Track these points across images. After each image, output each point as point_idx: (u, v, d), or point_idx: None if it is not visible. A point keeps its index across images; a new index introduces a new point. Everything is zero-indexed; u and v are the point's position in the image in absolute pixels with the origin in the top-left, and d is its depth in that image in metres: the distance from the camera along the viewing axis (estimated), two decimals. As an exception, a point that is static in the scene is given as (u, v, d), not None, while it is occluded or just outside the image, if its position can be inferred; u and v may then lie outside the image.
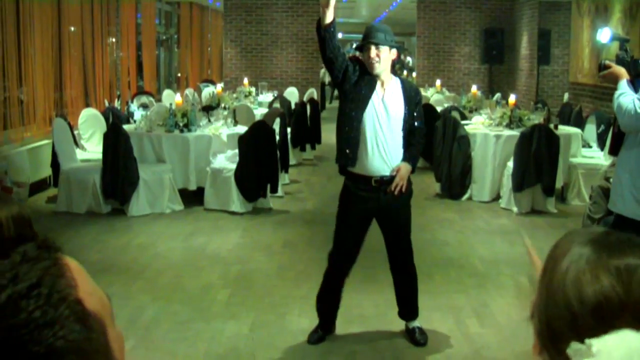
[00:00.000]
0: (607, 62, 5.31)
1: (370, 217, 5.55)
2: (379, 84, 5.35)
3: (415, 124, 5.45)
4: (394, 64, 5.51)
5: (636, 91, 4.94)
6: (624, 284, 1.28)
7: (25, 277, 1.00)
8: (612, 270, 1.29)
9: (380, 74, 5.34)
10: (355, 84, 5.33)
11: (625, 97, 4.93)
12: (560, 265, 1.36)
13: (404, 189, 5.40)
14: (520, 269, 7.59)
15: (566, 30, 17.80)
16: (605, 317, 1.27)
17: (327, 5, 4.93)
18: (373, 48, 5.28)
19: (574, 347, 1.27)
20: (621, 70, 5.12)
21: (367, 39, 5.33)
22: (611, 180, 5.80)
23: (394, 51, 5.39)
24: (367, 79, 5.34)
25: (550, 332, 1.35)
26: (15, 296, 0.98)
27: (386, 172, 5.37)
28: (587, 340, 1.26)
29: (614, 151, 5.51)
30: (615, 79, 5.14)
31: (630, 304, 1.27)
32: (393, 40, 5.41)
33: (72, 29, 13.62)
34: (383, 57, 5.30)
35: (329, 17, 5.04)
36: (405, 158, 5.42)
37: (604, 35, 5.73)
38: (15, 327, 0.96)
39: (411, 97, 5.44)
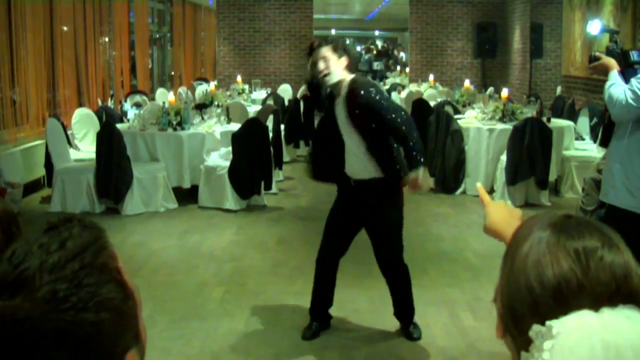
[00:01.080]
0: (597, 53, 5.33)
1: (353, 211, 5.56)
2: (336, 93, 5.41)
3: (376, 126, 5.29)
4: (352, 68, 5.45)
5: (626, 82, 4.96)
6: (582, 267, 1.31)
7: (72, 246, 1.14)
8: (571, 252, 1.32)
9: (331, 83, 5.35)
10: (325, 101, 5.56)
11: (616, 87, 4.95)
12: (521, 249, 1.39)
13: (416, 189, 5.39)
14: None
15: (558, 23, 17.81)
16: (565, 299, 1.30)
17: None
18: (320, 60, 5.28)
19: (535, 329, 1.30)
20: (611, 62, 5.14)
21: (316, 47, 5.32)
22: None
23: (344, 58, 5.31)
24: (329, 94, 5.52)
25: (513, 314, 1.39)
26: (63, 258, 1.12)
27: (360, 176, 5.42)
28: (547, 322, 1.28)
29: (604, 143, 5.52)
30: (605, 70, 5.16)
31: (588, 285, 1.30)
32: (338, 44, 5.38)
33: (65, 28, 13.60)
34: (332, 67, 5.28)
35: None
36: (411, 166, 5.28)
37: (594, 27, 5.75)
38: (61, 279, 1.10)
39: (353, 102, 5.27)
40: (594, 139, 11.08)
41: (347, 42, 6.01)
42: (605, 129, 5.45)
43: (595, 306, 1.28)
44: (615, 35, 5.51)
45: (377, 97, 5.21)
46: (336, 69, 5.27)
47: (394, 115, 5.18)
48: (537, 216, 1.49)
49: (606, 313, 1.27)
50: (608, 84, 5.07)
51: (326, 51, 5.25)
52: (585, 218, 1.46)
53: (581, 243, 1.34)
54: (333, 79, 5.28)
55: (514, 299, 1.38)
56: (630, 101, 4.81)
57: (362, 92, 5.20)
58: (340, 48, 5.31)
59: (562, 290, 1.31)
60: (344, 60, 5.30)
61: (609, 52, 5.28)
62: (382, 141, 5.33)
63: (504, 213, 2.07)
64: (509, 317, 1.40)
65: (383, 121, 5.19)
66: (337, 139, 5.43)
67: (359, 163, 5.38)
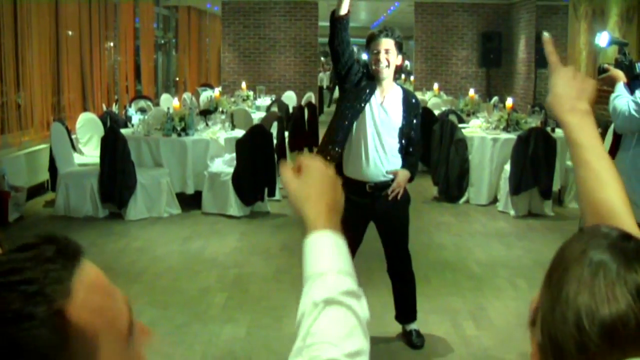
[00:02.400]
0: (606, 65, 5.34)
1: (366, 221, 5.56)
2: (379, 89, 5.32)
3: (412, 134, 5.44)
4: (398, 71, 5.47)
5: (632, 93, 4.96)
6: None
7: (24, 273, 1.02)
8: (632, 287, 1.15)
9: (385, 79, 5.32)
10: (355, 85, 5.31)
11: (621, 99, 4.95)
12: (571, 273, 1.21)
13: (399, 197, 5.40)
14: (517, 271, 7.63)
15: (563, 33, 17.81)
16: (621, 343, 1.14)
17: None
18: (383, 51, 5.26)
19: None
20: (619, 73, 5.15)
21: (380, 36, 5.28)
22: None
23: (400, 57, 5.37)
24: (368, 82, 5.32)
25: (556, 349, 1.21)
26: (4, 285, 1.00)
27: (380, 178, 5.37)
28: None
29: (611, 154, 5.50)
30: (613, 82, 5.16)
31: None
32: (401, 44, 5.40)
33: (70, 33, 13.63)
34: (392, 61, 5.28)
35: (343, 9, 5.03)
36: (404, 165, 5.42)
37: (603, 39, 5.75)
38: None
39: (411, 107, 5.42)
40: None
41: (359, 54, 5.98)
42: (612, 142, 5.45)
43: None
44: (624, 47, 5.52)
45: (420, 110, 5.62)
46: (393, 65, 5.31)
47: (419, 132, 5.54)
48: (589, 232, 1.29)
49: None
50: (613, 95, 5.08)
51: (391, 44, 5.27)
52: None
53: None
54: (388, 74, 5.31)
55: (558, 332, 1.20)
56: (633, 112, 4.82)
57: (416, 98, 5.59)
58: (402, 47, 5.39)
59: (618, 332, 1.14)
60: (399, 59, 5.36)
61: (618, 64, 5.29)
62: (415, 143, 5.51)
63: (571, 89, 1.80)
64: (551, 351, 1.22)
65: (416, 130, 5.48)
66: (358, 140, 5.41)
67: (387, 161, 5.36)
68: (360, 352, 1.25)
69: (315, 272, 1.38)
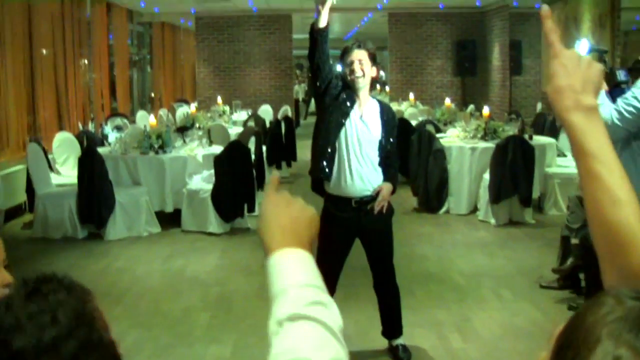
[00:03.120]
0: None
1: (352, 237, 5.53)
2: (357, 102, 5.32)
3: (390, 147, 5.43)
4: (374, 83, 5.47)
5: (614, 101, 4.96)
6: None
7: (64, 319, 1.09)
8: None
9: (361, 89, 5.31)
10: (335, 98, 5.29)
11: (603, 108, 4.95)
12: None
13: (384, 210, 5.39)
14: (501, 281, 7.63)
15: (537, 40, 17.94)
16: None
17: (322, 1, 4.92)
18: (357, 62, 5.26)
19: None
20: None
21: (352, 47, 5.31)
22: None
23: (374, 69, 5.36)
24: (347, 95, 5.30)
25: None
26: (59, 336, 1.07)
27: (365, 192, 5.34)
28: None
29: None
30: None
31: None
32: (375, 55, 5.40)
33: (44, 51, 13.56)
34: (366, 71, 5.28)
35: (323, 21, 5.01)
36: (387, 178, 5.40)
37: (582, 47, 5.75)
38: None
39: (389, 120, 5.42)
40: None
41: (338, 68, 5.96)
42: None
43: None
44: (604, 55, 5.53)
45: (397, 122, 5.64)
46: (368, 76, 5.30)
47: (395, 143, 5.54)
48: (604, 305, 1.03)
49: None
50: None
51: (364, 55, 5.28)
52: None
53: None
54: (364, 83, 5.31)
55: None
56: (616, 121, 4.81)
57: (392, 112, 5.61)
58: (376, 58, 5.40)
59: None
60: (374, 71, 5.36)
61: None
62: (393, 155, 5.52)
63: (575, 80, 1.47)
64: None
65: (393, 143, 5.50)
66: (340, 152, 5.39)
67: (371, 175, 5.34)
68: None
69: (278, 290, 1.32)
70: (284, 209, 1.49)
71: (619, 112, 4.82)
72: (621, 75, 5.20)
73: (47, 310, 1.07)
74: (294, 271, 1.36)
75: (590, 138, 1.43)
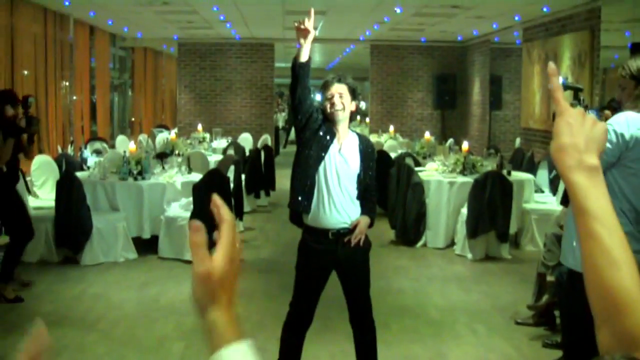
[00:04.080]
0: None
1: (329, 269, 5.51)
2: (337, 136, 5.34)
3: (369, 180, 5.45)
4: (352, 117, 5.50)
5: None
6: None
7: None
8: None
9: (340, 122, 5.33)
10: (315, 132, 5.31)
11: None
12: None
13: (361, 243, 5.39)
14: (476, 316, 7.63)
15: (517, 76, 18.08)
16: None
17: (304, 36, 4.97)
18: (337, 95, 5.29)
19: None
20: None
21: (332, 81, 5.33)
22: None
23: (354, 104, 5.39)
24: (327, 129, 5.32)
25: None
26: None
27: (343, 225, 5.34)
28: None
29: (564, 202, 5.52)
30: None
31: None
32: (355, 89, 5.43)
33: (25, 72, 13.53)
34: (346, 104, 5.31)
35: (304, 55, 5.05)
36: (364, 211, 5.41)
37: (556, 82, 5.78)
38: None
39: (367, 153, 5.44)
40: (554, 192, 11.18)
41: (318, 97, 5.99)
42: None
43: None
44: (579, 93, 5.56)
45: (375, 156, 5.63)
46: (348, 109, 5.33)
47: (374, 175, 5.51)
48: None
49: None
50: None
51: (344, 89, 5.30)
52: None
53: None
54: (344, 117, 5.32)
55: None
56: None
57: (372, 146, 5.60)
58: (356, 92, 5.43)
59: None
60: (354, 105, 5.39)
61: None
62: (371, 188, 5.51)
63: (579, 139, 1.48)
64: None
65: (372, 176, 5.48)
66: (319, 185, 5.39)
67: (349, 207, 5.35)
68: None
69: None
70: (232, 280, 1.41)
71: None
72: (591, 114, 5.24)
73: None
74: None
75: (591, 198, 1.44)
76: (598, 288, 1.41)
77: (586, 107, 5.41)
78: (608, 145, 4.85)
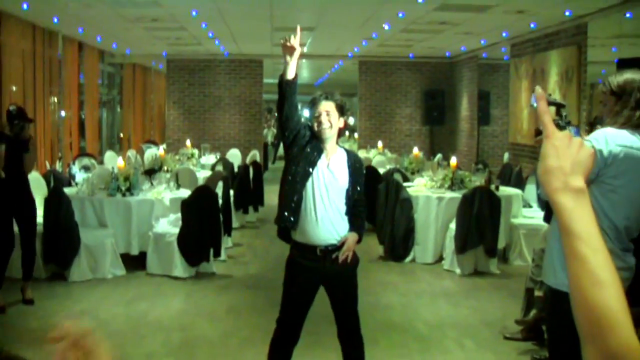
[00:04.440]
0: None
1: (317, 285, 5.51)
2: (325, 152, 5.35)
3: (357, 196, 5.46)
4: (340, 133, 5.52)
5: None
6: None
7: None
8: None
9: (328, 140, 5.35)
10: (302, 148, 5.32)
11: None
12: None
13: (349, 260, 5.39)
14: (464, 331, 7.64)
15: (505, 91, 18.15)
16: None
17: (290, 52, 4.99)
18: (324, 113, 5.31)
19: None
20: None
21: (320, 99, 5.35)
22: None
23: (342, 120, 5.41)
24: (315, 145, 5.33)
25: None
26: None
27: (331, 241, 5.34)
28: None
29: (547, 219, 5.51)
30: None
31: None
32: (343, 107, 5.45)
33: (14, 88, 13.52)
34: (334, 122, 5.32)
35: (291, 73, 5.07)
36: (353, 228, 5.41)
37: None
38: None
39: (356, 169, 5.45)
40: (541, 207, 11.20)
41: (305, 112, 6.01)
42: (548, 205, 5.45)
43: None
44: (562, 109, 5.57)
45: (364, 171, 5.63)
46: (335, 127, 5.34)
47: (362, 190, 5.53)
48: None
49: None
50: None
51: (332, 106, 5.33)
52: None
53: None
54: (331, 134, 5.34)
55: None
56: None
57: (360, 162, 5.60)
58: (344, 110, 5.45)
59: None
60: (342, 122, 5.40)
61: (555, 126, 5.32)
62: (360, 204, 5.53)
63: (565, 161, 1.53)
64: None
65: (360, 192, 5.50)
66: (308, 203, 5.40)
67: (337, 223, 5.35)
68: None
69: None
70: None
71: None
72: (572, 132, 5.25)
73: None
74: None
75: (577, 219, 1.48)
76: (583, 308, 1.44)
77: (568, 123, 5.40)
78: None
